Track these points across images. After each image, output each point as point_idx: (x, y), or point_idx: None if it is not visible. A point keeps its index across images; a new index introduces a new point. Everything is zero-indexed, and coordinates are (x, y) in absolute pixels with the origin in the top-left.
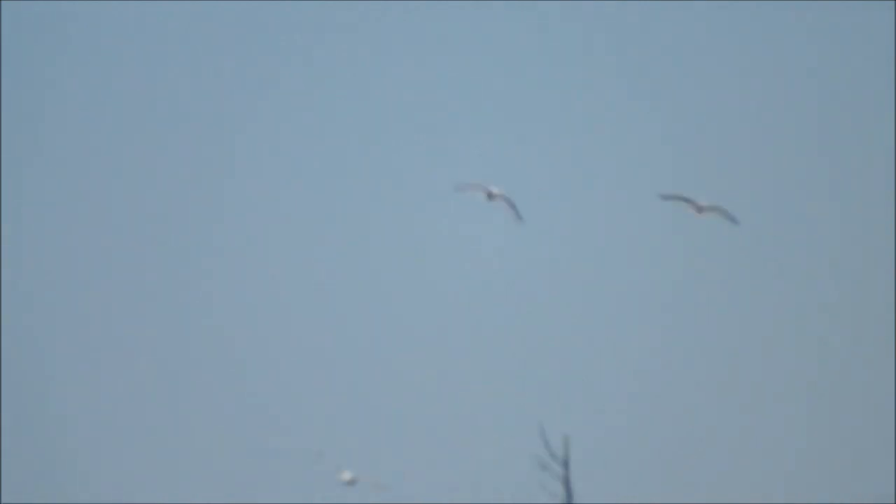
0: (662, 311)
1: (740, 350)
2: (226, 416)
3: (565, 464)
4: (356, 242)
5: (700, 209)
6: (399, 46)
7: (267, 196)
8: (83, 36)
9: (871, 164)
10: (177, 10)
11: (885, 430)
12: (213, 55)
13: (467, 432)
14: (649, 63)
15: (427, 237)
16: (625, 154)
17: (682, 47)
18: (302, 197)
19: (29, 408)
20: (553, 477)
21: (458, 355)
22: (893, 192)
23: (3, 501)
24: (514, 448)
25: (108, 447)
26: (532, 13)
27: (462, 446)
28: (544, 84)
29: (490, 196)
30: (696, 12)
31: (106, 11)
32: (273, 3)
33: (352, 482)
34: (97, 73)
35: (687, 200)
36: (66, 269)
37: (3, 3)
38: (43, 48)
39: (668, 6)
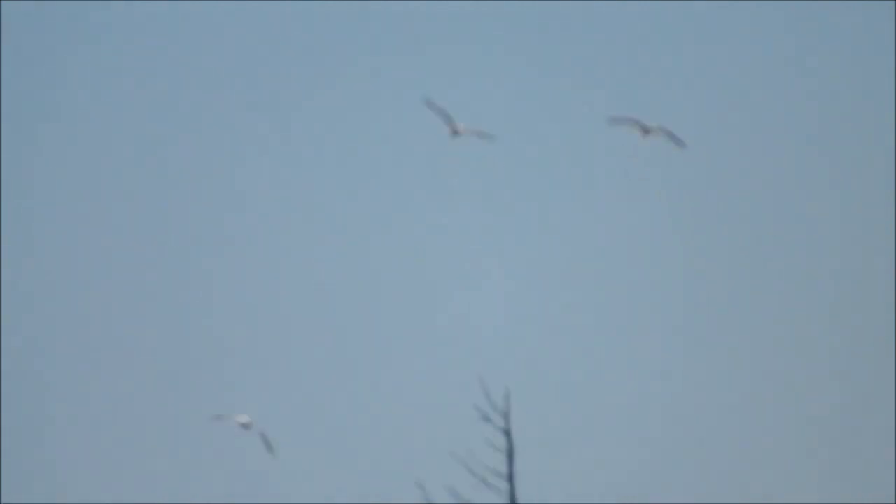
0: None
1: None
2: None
3: (506, 416)
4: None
5: (647, 131)
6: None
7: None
8: (83, 36)
9: (871, 165)
10: (177, 10)
11: (886, 430)
12: (214, 55)
13: (409, 386)
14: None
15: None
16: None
17: (682, 47)
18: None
19: (29, 408)
20: (495, 428)
21: (399, 310)
22: (894, 192)
23: (3, 501)
24: (457, 401)
25: (107, 447)
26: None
27: (405, 400)
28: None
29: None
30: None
31: (106, 12)
32: (273, 3)
33: (248, 426)
34: (97, 72)
35: (635, 122)
36: (65, 269)
37: (2, 3)
38: (43, 48)
39: (668, 6)
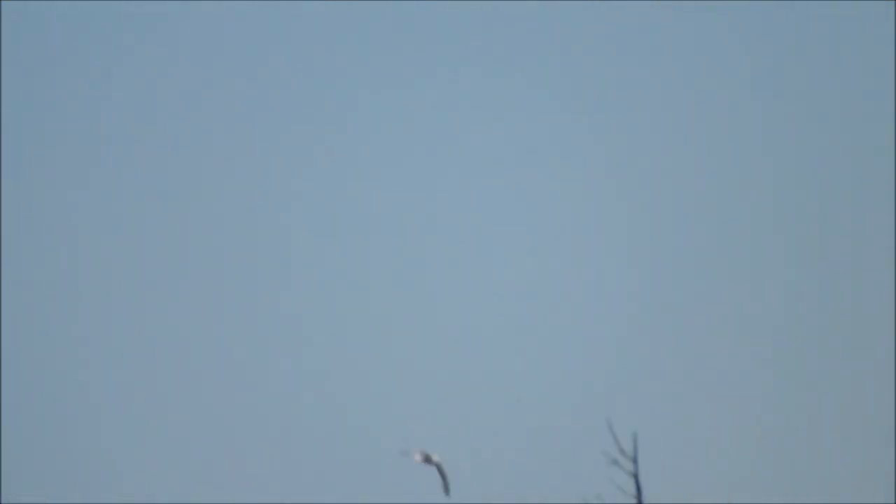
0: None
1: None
2: (225, 416)
3: (635, 460)
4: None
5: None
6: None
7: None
8: (83, 36)
9: (872, 165)
10: (177, 10)
11: (886, 430)
12: (214, 55)
13: (538, 429)
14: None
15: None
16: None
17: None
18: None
19: (29, 408)
20: (624, 472)
21: (527, 353)
22: (894, 192)
23: (3, 502)
24: (585, 445)
25: (107, 447)
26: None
27: (533, 443)
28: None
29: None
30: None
31: (106, 12)
32: (273, 3)
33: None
34: (97, 72)
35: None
36: (65, 269)
37: (2, 3)
38: (43, 48)
39: (668, 6)
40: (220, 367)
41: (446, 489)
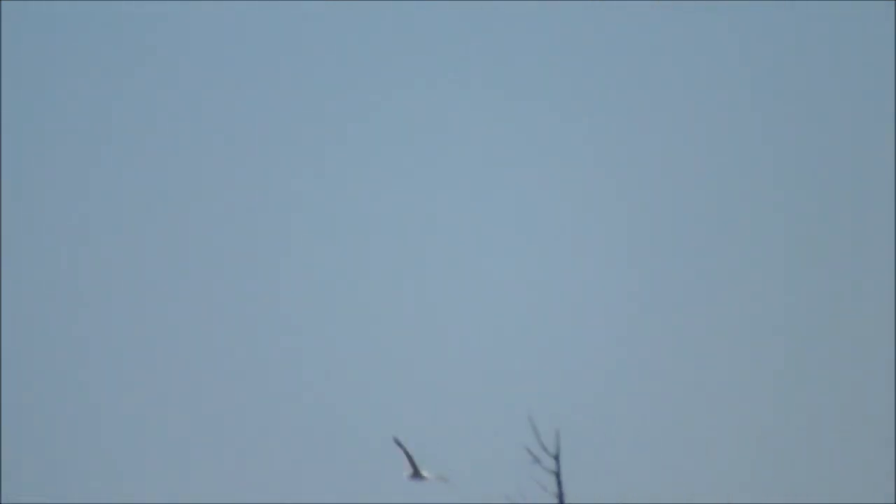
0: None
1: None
2: (225, 416)
3: (556, 457)
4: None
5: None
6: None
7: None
8: (83, 36)
9: (872, 164)
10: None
11: (886, 430)
12: (215, 54)
13: (459, 426)
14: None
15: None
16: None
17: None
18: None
19: (30, 408)
20: (545, 470)
21: (448, 348)
22: (894, 192)
23: (3, 502)
24: (506, 442)
25: (107, 447)
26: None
27: (454, 439)
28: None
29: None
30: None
31: (106, 12)
32: (273, 3)
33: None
34: (97, 73)
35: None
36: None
37: (2, 3)
38: (43, 48)
39: (668, 6)
40: (220, 367)
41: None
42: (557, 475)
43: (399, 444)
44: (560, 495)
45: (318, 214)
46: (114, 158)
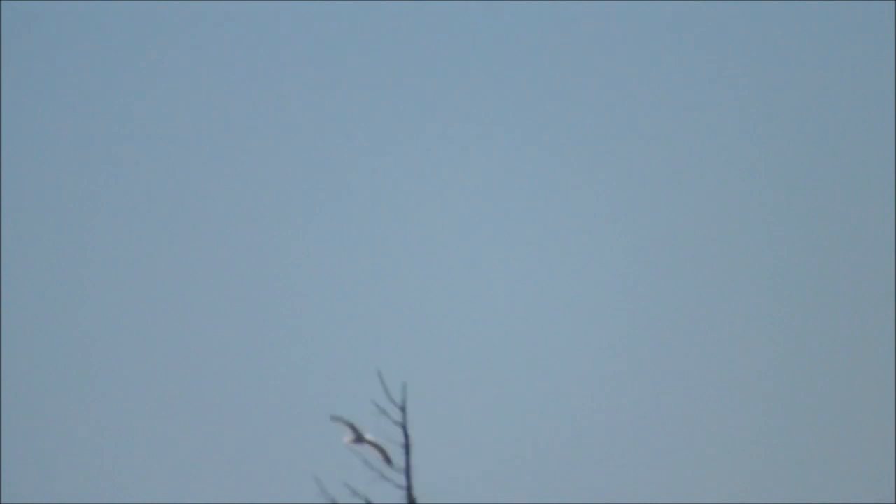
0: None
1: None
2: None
3: (403, 410)
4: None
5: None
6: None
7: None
8: (83, 36)
9: (872, 164)
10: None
11: (885, 430)
12: (215, 54)
13: (306, 379)
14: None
15: None
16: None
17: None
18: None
19: (29, 408)
20: (392, 423)
21: (294, 300)
22: (894, 192)
23: (3, 502)
24: (353, 393)
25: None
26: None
27: (302, 394)
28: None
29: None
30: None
31: (106, 12)
32: (274, 3)
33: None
34: (97, 73)
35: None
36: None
37: (2, 2)
38: (43, 48)
39: (668, 6)
40: (220, 367)
41: (388, 460)
42: (404, 427)
43: (337, 418)
44: (406, 446)
45: (316, 215)
46: (114, 158)
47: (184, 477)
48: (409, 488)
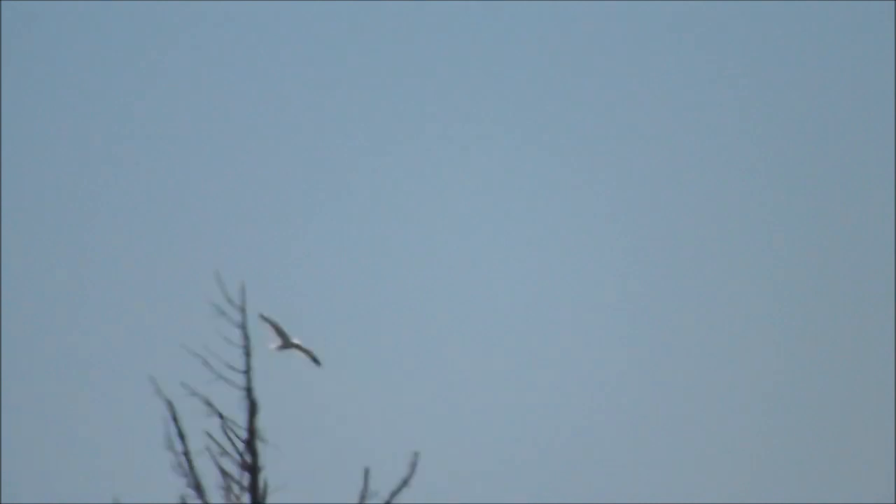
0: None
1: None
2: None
3: (242, 310)
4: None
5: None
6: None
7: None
8: (83, 36)
9: (871, 164)
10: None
11: (885, 430)
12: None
13: (143, 279)
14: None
15: None
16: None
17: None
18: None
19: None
20: (231, 323)
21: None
22: (894, 192)
23: (3, 501)
24: (191, 295)
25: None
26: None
27: (138, 293)
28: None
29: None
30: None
31: (107, 12)
32: (274, 3)
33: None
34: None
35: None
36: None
37: (2, 3)
38: (43, 48)
39: (668, 6)
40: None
41: (315, 361)
42: (243, 328)
43: (265, 318)
44: (246, 347)
45: (316, 215)
46: (113, 158)
47: None
48: (248, 389)
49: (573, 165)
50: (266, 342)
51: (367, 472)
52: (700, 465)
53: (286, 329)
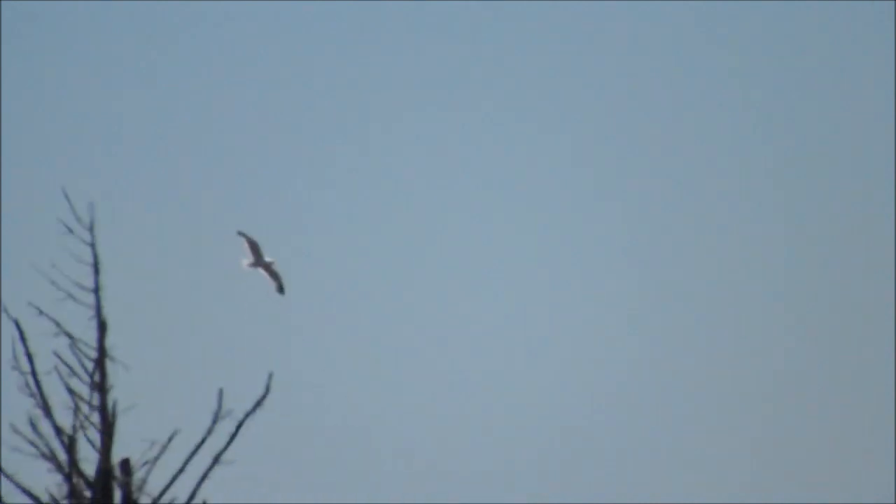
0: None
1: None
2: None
3: (91, 229)
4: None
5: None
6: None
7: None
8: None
9: (871, 164)
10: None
11: (885, 430)
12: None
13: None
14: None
15: None
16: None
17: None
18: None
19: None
20: (80, 242)
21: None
22: (894, 192)
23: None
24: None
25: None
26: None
27: None
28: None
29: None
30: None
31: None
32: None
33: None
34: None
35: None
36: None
37: (2, 3)
38: (43, 48)
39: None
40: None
41: (280, 289)
42: (92, 246)
43: (242, 234)
44: (95, 265)
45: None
46: (114, 158)
47: None
48: (98, 308)
49: (576, 165)
50: (240, 258)
51: (220, 393)
52: (700, 465)
53: (262, 248)
